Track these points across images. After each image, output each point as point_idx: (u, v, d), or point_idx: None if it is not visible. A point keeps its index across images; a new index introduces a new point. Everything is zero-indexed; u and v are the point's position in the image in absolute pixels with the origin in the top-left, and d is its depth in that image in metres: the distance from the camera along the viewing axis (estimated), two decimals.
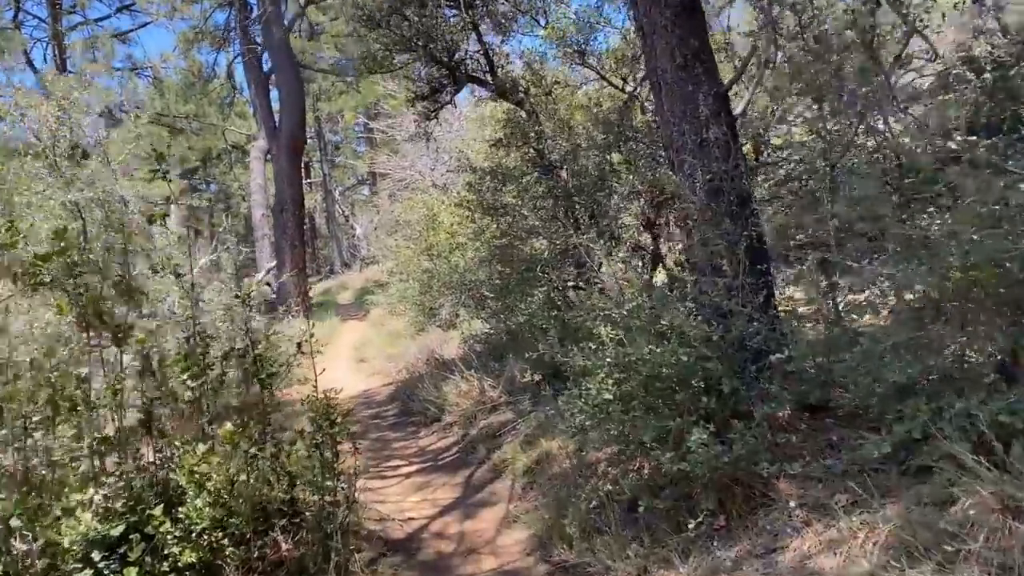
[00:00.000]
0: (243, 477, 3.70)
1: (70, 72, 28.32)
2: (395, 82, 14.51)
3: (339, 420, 4.71)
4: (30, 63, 28.11)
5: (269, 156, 20.36)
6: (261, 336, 9.81)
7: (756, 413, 3.92)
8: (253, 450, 3.96)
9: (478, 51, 7.97)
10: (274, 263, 19.91)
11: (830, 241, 4.43)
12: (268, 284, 21.59)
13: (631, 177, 6.81)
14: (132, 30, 30.89)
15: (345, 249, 39.73)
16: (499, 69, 8.01)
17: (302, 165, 20.63)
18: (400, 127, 16.39)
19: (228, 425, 3.89)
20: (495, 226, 8.48)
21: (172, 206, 40.25)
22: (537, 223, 7.53)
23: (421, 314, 12.34)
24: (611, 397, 4.07)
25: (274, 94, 21.04)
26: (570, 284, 7.71)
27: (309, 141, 44.95)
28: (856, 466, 3.61)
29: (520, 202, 7.67)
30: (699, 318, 4.27)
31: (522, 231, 7.85)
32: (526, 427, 6.37)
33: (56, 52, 28.63)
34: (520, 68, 8.39)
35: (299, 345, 5.47)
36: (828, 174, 4.49)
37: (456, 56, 7.92)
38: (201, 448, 3.66)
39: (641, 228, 7.58)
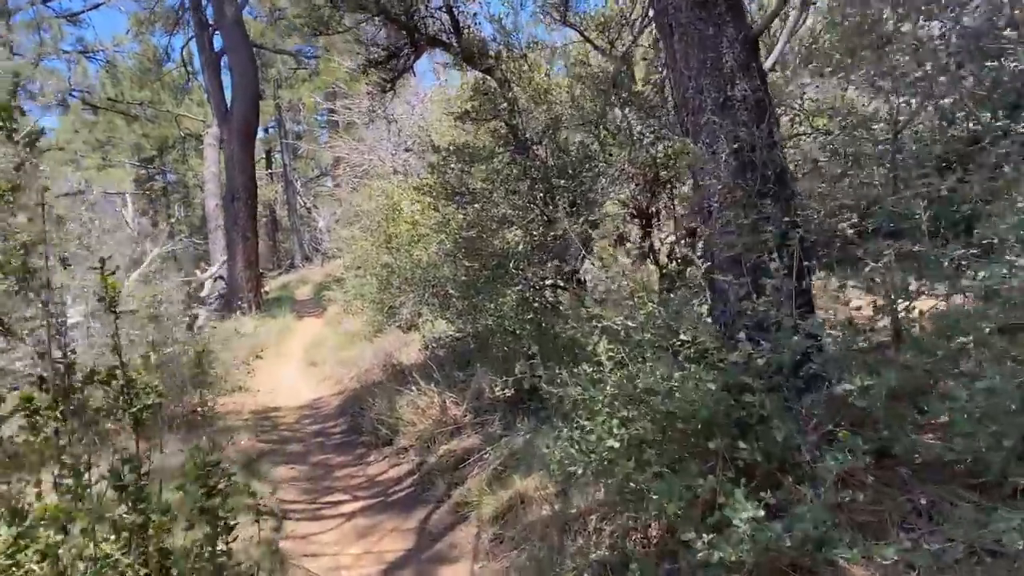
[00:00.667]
0: None
1: (18, 56, 26.57)
2: (353, 59, 13.21)
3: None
4: None
5: (222, 143, 18.87)
6: (190, 340, 8.46)
7: (819, 468, 2.77)
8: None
9: (441, 8, 6.72)
10: (226, 256, 18.47)
11: (891, 230, 3.32)
12: (221, 278, 20.19)
13: (622, 154, 5.61)
14: (83, 11, 29.08)
15: (307, 242, 38.16)
16: (465, 30, 6.76)
17: (254, 151, 19.12)
18: (360, 109, 15.05)
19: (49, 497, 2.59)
20: (461, 215, 7.27)
21: (127, 196, 38.43)
22: (510, 211, 6.34)
23: (379, 313, 11.09)
24: (617, 444, 2.90)
25: (228, 79, 19.65)
26: (548, 283, 6.54)
27: (270, 131, 43.39)
28: (972, 548, 2.51)
29: (491, 187, 6.46)
30: (726, 333, 3.13)
31: (492, 220, 6.63)
32: (495, 456, 5.18)
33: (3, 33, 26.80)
34: (490, 31, 7.17)
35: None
36: (892, 146, 3.37)
37: (415, 15, 6.67)
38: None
39: (628, 217, 6.41)
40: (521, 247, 6.35)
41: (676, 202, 5.27)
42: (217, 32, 18.97)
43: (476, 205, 6.82)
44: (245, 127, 17.74)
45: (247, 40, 18.23)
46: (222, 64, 19.64)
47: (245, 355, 12.11)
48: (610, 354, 3.21)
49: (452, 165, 6.78)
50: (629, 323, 3.28)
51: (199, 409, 7.66)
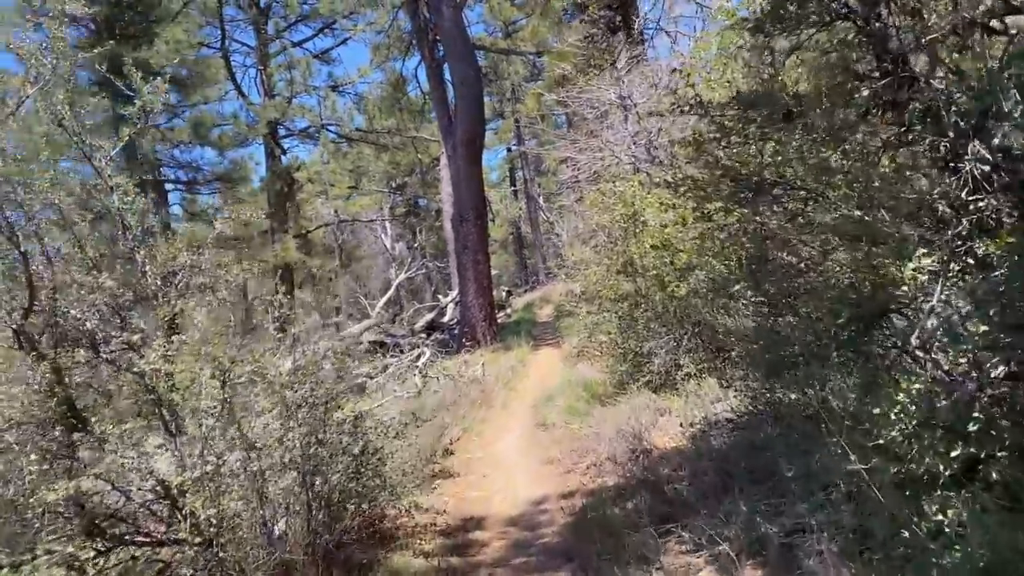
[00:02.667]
0: None
1: (276, 96, 27.25)
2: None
3: None
4: (238, 89, 27.33)
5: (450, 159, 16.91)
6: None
7: None
8: None
9: None
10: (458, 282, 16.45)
11: None
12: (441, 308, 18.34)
13: None
14: (332, 47, 29.47)
15: (550, 258, 36.13)
16: None
17: (482, 165, 16.93)
18: (589, 97, 12.08)
19: None
20: (746, 219, 3.96)
21: (387, 223, 39.05)
22: (871, 214, 2.91)
23: (621, 362, 7.99)
24: None
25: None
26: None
27: (512, 149, 42.18)
28: None
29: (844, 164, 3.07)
30: None
31: (826, 230, 3.24)
32: None
33: (263, 78, 27.71)
34: None
35: None
36: None
37: None
38: None
39: None
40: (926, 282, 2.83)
41: None
42: (439, 42, 17.09)
43: (788, 200, 3.46)
44: (469, 138, 15.57)
45: (467, 41, 16.08)
46: (445, 78, 17.75)
47: (465, 411, 9.62)
48: None
49: (737, 129, 3.47)
50: None
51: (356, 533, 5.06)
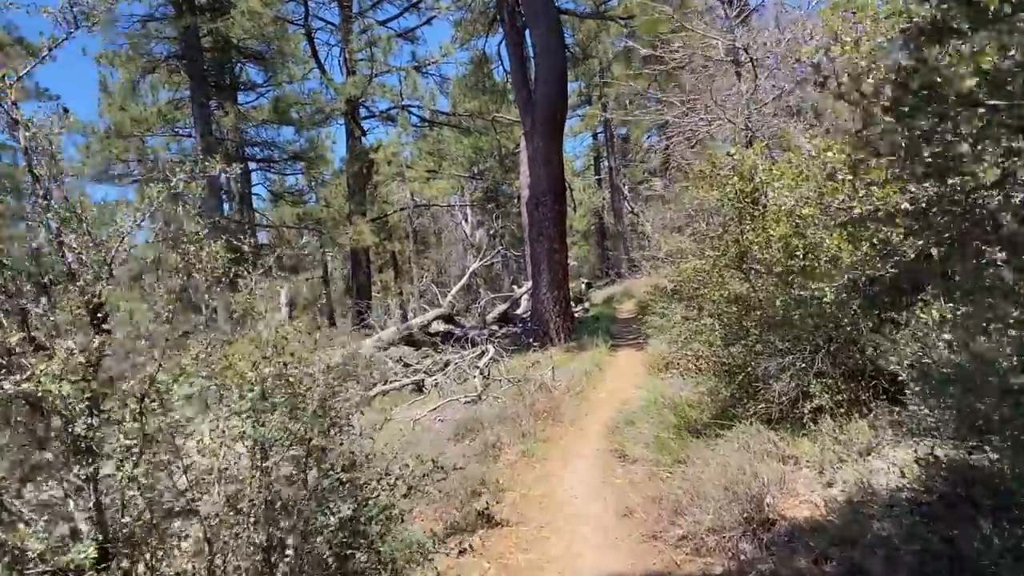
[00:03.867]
0: None
1: (357, 74, 26.11)
2: None
3: None
4: (320, 66, 26.31)
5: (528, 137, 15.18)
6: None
7: None
8: None
9: None
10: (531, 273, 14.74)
11: None
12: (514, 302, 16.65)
13: None
14: (417, 26, 28.23)
15: (634, 250, 33.98)
16: None
17: (562, 144, 15.09)
18: (686, 57, 10.02)
19: None
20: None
21: (467, 209, 37.71)
22: None
23: (725, 383, 6.12)
24: None
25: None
26: None
27: (599, 136, 40.05)
28: None
29: None
30: None
31: None
32: None
33: (346, 56, 26.62)
34: None
35: None
36: None
37: None
38: None
39: None
40: None
41: None
42: (520, 10, 15.34)
43: None
44: (549, 113, 13.79)
45: (550, 9, 14.26)
46: (527, 53, 15.97)
47: (527, 426, 7.94)
48: None
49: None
50: None
51: None
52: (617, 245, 36.09)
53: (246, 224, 29.42)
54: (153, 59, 22.10)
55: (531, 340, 13.71)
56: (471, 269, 21.53)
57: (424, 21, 27.95)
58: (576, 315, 17.13)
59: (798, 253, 5.03)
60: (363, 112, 28.44)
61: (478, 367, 10.10)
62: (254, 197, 31.84)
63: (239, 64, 26.12)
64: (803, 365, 5.40)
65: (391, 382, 11.59)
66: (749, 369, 5.73)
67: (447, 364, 11.37)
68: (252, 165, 29.78)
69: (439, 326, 17.55)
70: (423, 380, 11.45)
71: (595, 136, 39.25)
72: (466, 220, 37.46)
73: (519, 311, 19.55)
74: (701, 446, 5.62)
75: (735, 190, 5.41)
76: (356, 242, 24.35)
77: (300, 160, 24.85)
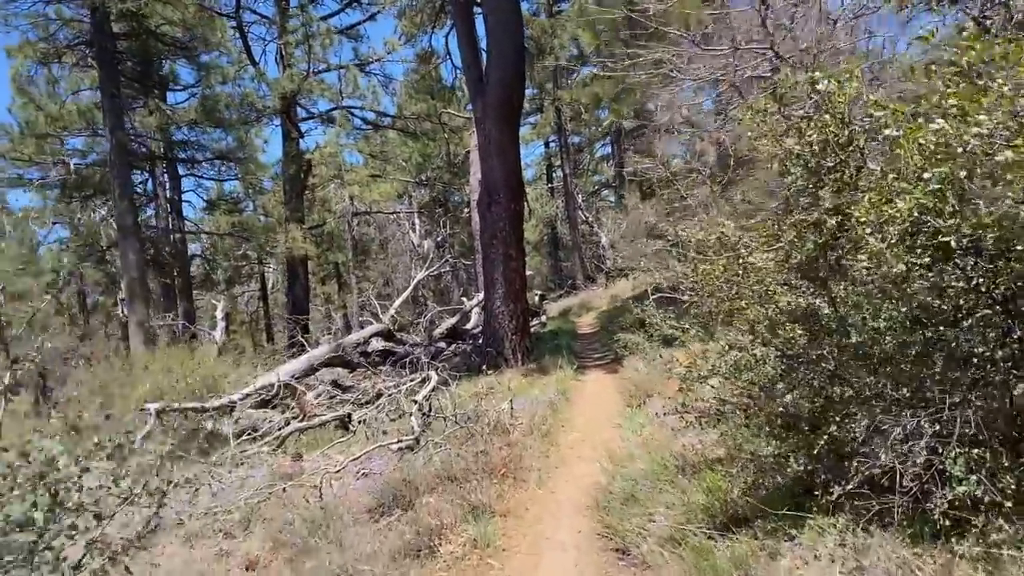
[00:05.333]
0: None
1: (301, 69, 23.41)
2: None
3: None
4: (251, 57, 23.57)
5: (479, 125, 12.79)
6: None
7: None
8: None
9: None
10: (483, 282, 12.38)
11: None
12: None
13: None
14: (360, 22, 25.68)
15: (588, 260, 31.92)
16: None
17: (518, 133, 12.79)
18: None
19: None
20: None
21: (415, 218, 35.18)
22: None
23: (792, 445, 3.84)
24: None
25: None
26: None
27: (551, 145, 37.91)
28: None
29: None
30: None
31: None
32: None
33: (282, 51, 23.95)
34: None
35: None
36: None
37: None
38: None
39: None
40: None
41: None
42: None
43: None
44: (504, 95, 11.49)
45: None
46: (478, 32, 13.65)
47: (476, 490, 5.56)
48: None
49: None
50: None
51: None
52: (572, 256, 34.00)
53: (174, 232, 26.44)
54: (57, 46, 19.11)
55: (483, 362, 11.36)
56: (416, 280, 19.06)
57: (367, 17, 25.39)
58: (532, 330, 14.83)
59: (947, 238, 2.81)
60: (301, 113, 25.84)
61: (415, 401, 7.70)
62: (186, 205, 28.93)
63: (165, 60, 23.32)
64: (930, 423, 3.20)
65: (312, 417, 9.09)
66: (834, 426, 3.48)
67: (379, 395, 8.92)
68: (183, 170, 26.89)
69: (378, 344, 15.05)
70: (349, 415, 8.98)
71: (547, 144, 37.21)
72: (414, 229, 34.96)
73: (469, 326, 17.16)
74: (758, 550, 3.35)
75: (826, 135, 3.16)
76: (290, 251, 21.67)
77: (226, 160, 22.11)
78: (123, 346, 18.94)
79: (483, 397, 8.80)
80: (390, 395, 8.52)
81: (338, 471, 7.05)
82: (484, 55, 11.96)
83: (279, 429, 9.93)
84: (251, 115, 23.10)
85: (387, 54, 24.61)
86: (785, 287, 3.77)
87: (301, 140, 24.77)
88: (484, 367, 11.05)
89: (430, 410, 7.94)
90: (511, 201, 11.47)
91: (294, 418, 9.69)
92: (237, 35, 23.22)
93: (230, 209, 28.89)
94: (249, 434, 9.48)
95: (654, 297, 8.65)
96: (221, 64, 23.08)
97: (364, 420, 8.75)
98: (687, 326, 5.06)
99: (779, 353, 3.85)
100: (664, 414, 5.80)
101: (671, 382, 8.47)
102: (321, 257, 37.46)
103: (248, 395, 9.08)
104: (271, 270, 35.82)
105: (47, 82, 20.90)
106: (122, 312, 23.18)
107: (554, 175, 37.51)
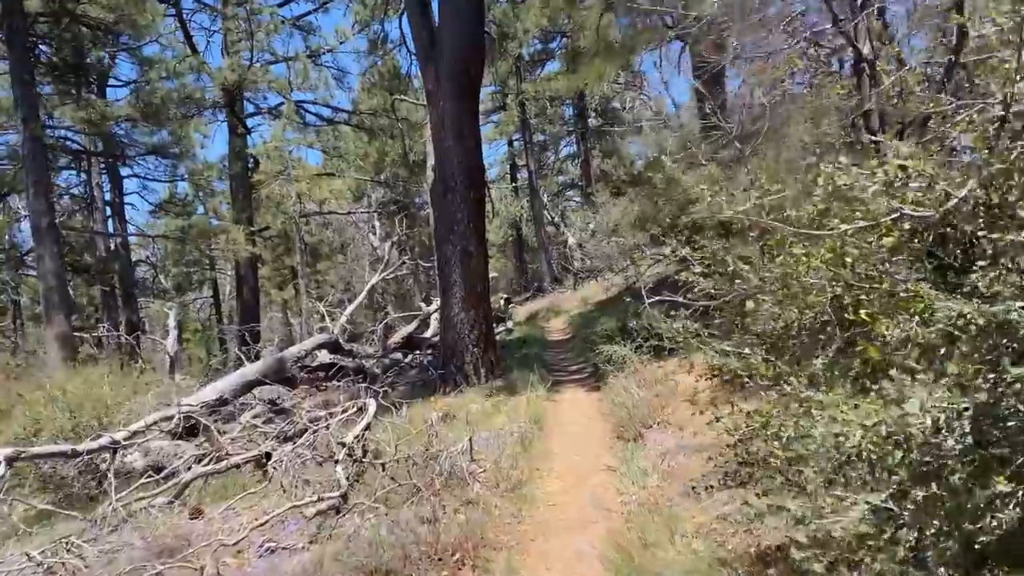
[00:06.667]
0: None
1: (246, 61, 21.05)
2: None
3: None
4: (191, 45, 21.19)
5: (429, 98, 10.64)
6: None
7: None
8: None
9: None
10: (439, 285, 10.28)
11: None
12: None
13: None
14: (311, 11, 23.48)
15: (555, 262, 30.00)
16: None
17: (478, 110, 10.71)
18: None
19: None
20: None
21: (375, 221, 32.89)
22: None
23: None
24: None
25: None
26: None
27: (515, 143, 35.83)
28: None
29: None
30: None
31: None
32: None
33: (226, 41, 21.61)
34: None
35: None
36: None
37: None
38: None
39: None
40: None
41: None
42: None
43: None
44: (460, 64, 9.43)
45: None
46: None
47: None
48: None
49: None
50: None
51: None
52: (538, 257, 32.04)
53: (112, 236, 23.85)
54: None
55: (440, 379, 9.33)
56: (370, 284, 16.90)
57: (319, 6, 23.17)
58: (498, 337, 12.83)
59: None
60: (250, 108, 23.51)
61: (343, 443, 5.62)
62: (130, 208, 26.35)
63: (100, 49, 20.80)
64: None
65: (221, 458, 6.94)
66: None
67: (303, 432, 6.81)
68: (125, 171, 24.33)
69: (325, 356, 12.91)
70: (269, 453, 6.87)
71: (511, 143, 35.21)
72: (373, 232, 32.68)
73: (428, 333, 15.09)
74: None
75: None
76: (234, 253, 19.33)
77: (159, 155, 19.64)
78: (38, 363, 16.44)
79: (436, 426, 6.78)
80: (315, 431, 6.39)
81: (236, 543, 4.96)
82: (437, 17, 9.88)
83: (187, 468, 7.82)
84: (191, 110, 20.72)
85: (339, 43, 22.46)
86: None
87: (248, 136, 22.53)
88: (441, 386, 9.03)
89: (364, 454, 5.88)
90: (470, 188, 9.44)
91: (202, 457, 7.55)
92: (173, 17, 20.88)
93: (178, 212, 26.42)
94: (149, 475, 7.34)
95: (651, 301, 6.72)
96: (165, 58, 20.67)
97: (280, 465, 6.63)
98: (734, 347, 3.12)
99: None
100: (675, 457, 3.86)
101: (674, 406, 6.56)
102: (276, 261, 34.95)
103: (136, 432, 6.89)
104: (227, 275, 33.29)
105: None
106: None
107: (518, 175, 35.53)
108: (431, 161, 10.10)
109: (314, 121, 23.63)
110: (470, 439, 5.92)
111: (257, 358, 13.32)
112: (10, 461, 5.75)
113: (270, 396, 11.86)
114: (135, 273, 27.12)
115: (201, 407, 10.06)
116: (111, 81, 22.33)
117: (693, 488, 4.39)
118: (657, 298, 6.65)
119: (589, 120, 32.08)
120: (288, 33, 22.72)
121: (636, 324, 9.39)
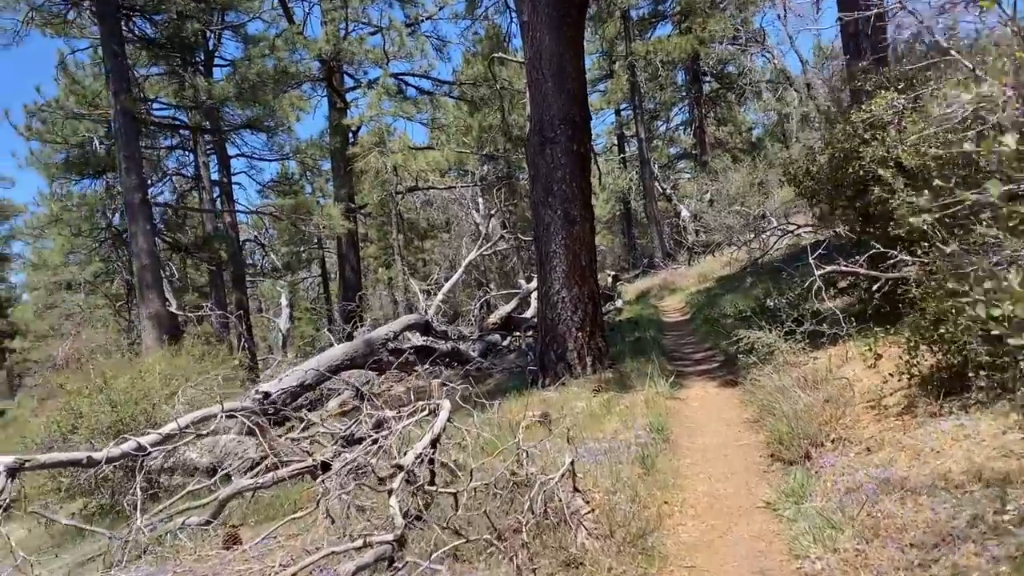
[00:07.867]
0: None
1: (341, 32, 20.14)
2: None
3: None
4: (288, 16, 20.51)
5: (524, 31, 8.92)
6: None
7: None
8: None
9: None
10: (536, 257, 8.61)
11: None
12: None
13: None
14: None
15: (667, 236, 27.62)
16: None
17: (582, 42, 8.86)
18: None
19: None
20: None
21: (479, 198, 31.63)
22: None
23: None
24: None
25: None
26: None
27: (622, 112, 33.42)
28: None
29: None
30: None
31: None
32: None
33: (322, 12, 20.78)
34: None
35: None
36: None
37: None
38: None
39: None
40: None
41: None
42: None
43: None
44: None
45: None
46: None
47: None
48: None
49: None
50: None
51: None
52: (648, 231, 29.69)
53: (218, 214, 23.70)
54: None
55: (538, 369, 7.72)
56: (467, 260, 15.51)
57: None
58: (605, 319, 11.08)
59: None
60: (348, 82, 22.67)
61: (400, 465, 4.09)
62: (236, 187, 26.23)
63: (203, 26, 20.44)
64: None
65: (270, 468, 5.61)
66: None
67: (358, 441, 5.37)
68: (233, 151, 24.15)
69: (416, 338, 11.62)
70: (326, 462, 5.50)
71: (618, 112, 32.86)
72: (477, 209, 31.41)
73: (528, 313, 13.51)
74: None
75: None
76: (330, 229, 18.50)
77: (253, 129, 18.93)
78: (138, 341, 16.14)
79: (524, 451, 5.15)
80: (374, 439, 4.92)
81: None
82: None
83: (243, 473, 6.70)
84: (289, 84, 20.03)
85: (439, 9, 21.12)
86: None
87: (347, 111, 21.68)
88: (540, 376, 7.43)
89: (432, 477, 4.34)
90: (572, 140, 7.68)
91: (258, 462, 6.32)
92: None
93: (284, 191, 26.12)
94: (199, 481, 6.22)
95: (824, 272, 4.76)
96: (268, 35, 20.08)
97: (343, 472, 5.20)
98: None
99: None
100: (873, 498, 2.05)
101: (852, 415, 4.63)
102: (382, 240, 34.43)
103: (167, 436, 5.66)
104: (334, 254, 33.10)
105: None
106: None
107: (626, 147, 33.20)
108: (528, 115, 8.44)
109: (413, 94, 22.58)
110: (572, 462, 4.24)
111: (349, 339, 12.22)
112: (12, 472, 4.64)
113: (357, 382, 10.72)
114: (243, 252, 27.10)
115: (279, 394, 8.99)
116: (216, 61, 22.07)
117: (927, 556, 2.55)
118: (831, 268, 4.69)
119: (704, 85, 29.35)
120: (386, 1, 21.68)
121: (777, 302, 7.41)
